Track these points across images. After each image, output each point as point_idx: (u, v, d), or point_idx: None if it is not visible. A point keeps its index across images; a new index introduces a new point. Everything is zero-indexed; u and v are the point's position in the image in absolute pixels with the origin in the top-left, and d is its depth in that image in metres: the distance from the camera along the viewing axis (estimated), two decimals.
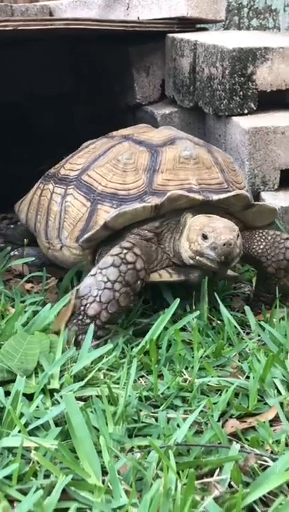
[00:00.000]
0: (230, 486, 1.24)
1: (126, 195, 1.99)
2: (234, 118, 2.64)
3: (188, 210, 1.98)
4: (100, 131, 2.38)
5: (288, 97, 2.77)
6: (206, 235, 1.82)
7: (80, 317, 1.80)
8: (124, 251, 1.84)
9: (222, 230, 1.80)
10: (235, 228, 1.85)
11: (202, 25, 3.26)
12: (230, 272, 2.08)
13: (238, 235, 1.82)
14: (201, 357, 1.72)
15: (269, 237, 2.04)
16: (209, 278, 1.95)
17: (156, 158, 2.04)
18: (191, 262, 1.91)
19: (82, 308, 1.80)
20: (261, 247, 2.03)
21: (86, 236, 2.00)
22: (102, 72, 3.45)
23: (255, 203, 2.10)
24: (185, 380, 1.63)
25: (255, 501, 1.17)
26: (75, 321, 1.81)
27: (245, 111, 2.66)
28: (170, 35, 3.03)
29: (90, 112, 3.63)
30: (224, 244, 1.77)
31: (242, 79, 2.62)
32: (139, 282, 1.83)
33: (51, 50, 3.44)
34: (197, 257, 1.87)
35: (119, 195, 2.00)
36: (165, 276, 1.99)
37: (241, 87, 2.63)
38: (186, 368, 1.70)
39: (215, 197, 1.99)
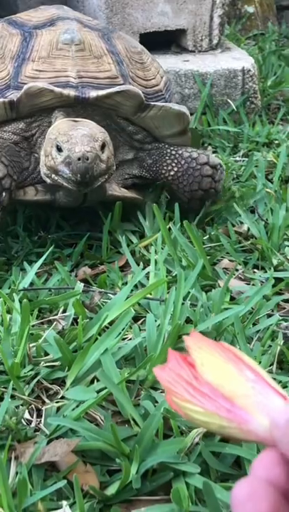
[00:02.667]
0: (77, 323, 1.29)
1: None
2: None
3: (62, 110, 1.59)
4: None
5: None
6: (60, 147, 1.43)
7: None
8: None
9: (79, 140, 1.40)
10: (99, 137, 1.45)
11: None
12: (117, 192, 1.66)
13: (102, 146, 1.45)
14: (59, 216, 1.73)
15: (183, 162, 1.67)
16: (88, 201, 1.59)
17: (28, 43, 1.64)
18: (48, 180, 1.52)
19: None
20: (172, 173, 1.68)
21: None
22: None
23: (153, 103, 1.67)
24: (40, 238, 1.65)
25: (99, 333, 1.22)
26: None
27: None
28: None
29: None
30: (79, 159, 1.37)
31: None
32: (4, 194, 1.52)
33: None
34: (52, 175, 1.47)
35: None
36: (30, 193, 1.61)
37: None
38: (44, 229, 1.71)
39: (93, 94, 1.57)
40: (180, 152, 1.69)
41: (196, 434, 0.95)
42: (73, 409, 1.02)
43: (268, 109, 2.67)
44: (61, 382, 1.11)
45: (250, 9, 3.53)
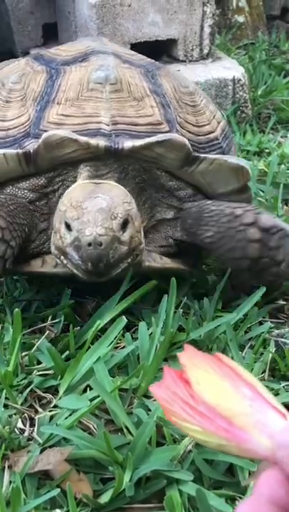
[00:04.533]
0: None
1: (3, 137, 1.33)
2: None
3: (89, 164, 1.30)
4: None
5: None
6: (68, 224, 1.16)
7: None
8: None
9: (91, 218, 1.12)
10: (120, 212, 1.16)
11: None
12: (156, 263, 1.34)
13: (123, 224, 1.16)
14: None
15: (224, 219, 1.29)
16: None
17: (54, 82, 1.37)
18: (58, 261, 1.25)
19: None
20: (209, 234, 1.29)
21: None
22: None
23: (203, 156, 1.35)
24: None
25: (92, 342, 1.22)
26: None
27: None
28: None
29: None
30: (90, 244, 1.10)
31: None
32: None
33: None
34: (61, 257, 1.20)
35: None
36: (49, 264, 1.32)
37: None
38: None
39: (127, 144, 1.28)
40: (221, 208, 1.32)
41: (188, 441, 0.96)
42: (66, 418, 1.02)
43: (259, 118, 2.68)
44: (54, 390, 1.12)
45: (241, 19, 3.56)
